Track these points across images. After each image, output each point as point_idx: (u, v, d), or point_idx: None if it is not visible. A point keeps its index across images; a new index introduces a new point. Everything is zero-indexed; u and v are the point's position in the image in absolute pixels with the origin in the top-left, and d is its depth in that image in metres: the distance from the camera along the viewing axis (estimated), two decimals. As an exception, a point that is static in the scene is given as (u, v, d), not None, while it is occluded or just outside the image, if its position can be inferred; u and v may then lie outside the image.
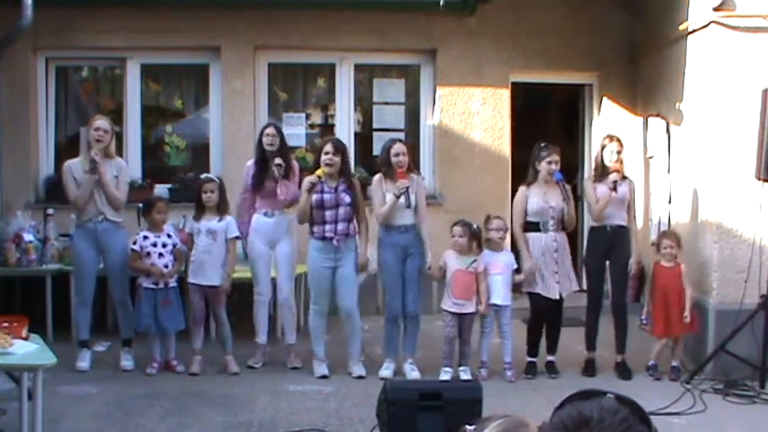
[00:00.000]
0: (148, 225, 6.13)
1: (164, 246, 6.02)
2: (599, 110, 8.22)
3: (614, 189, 5.98)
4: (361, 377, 5.86)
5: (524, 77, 8.08)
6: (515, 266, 6.00)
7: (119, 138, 6.67)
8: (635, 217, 6.34)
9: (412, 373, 5.89)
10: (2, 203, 7.42)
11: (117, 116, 7.57)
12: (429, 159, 8.03)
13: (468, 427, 1.61)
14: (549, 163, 5.97)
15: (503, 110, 7.98)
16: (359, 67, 8.05)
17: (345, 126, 7.94)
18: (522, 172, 6.39)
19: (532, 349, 6.09)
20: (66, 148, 7.63)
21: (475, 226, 5.97)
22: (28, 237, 6.66)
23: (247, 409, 5.18)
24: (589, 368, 6.09)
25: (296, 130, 7.95)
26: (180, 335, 6.11)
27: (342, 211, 5.85)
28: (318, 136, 8.10)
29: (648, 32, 7.58)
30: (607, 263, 6.15)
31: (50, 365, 4.12)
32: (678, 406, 5.21)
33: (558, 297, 6.01)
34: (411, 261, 5.93)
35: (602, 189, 6.07)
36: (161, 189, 7.58)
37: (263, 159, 6.09)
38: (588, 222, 6.99)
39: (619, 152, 6.09)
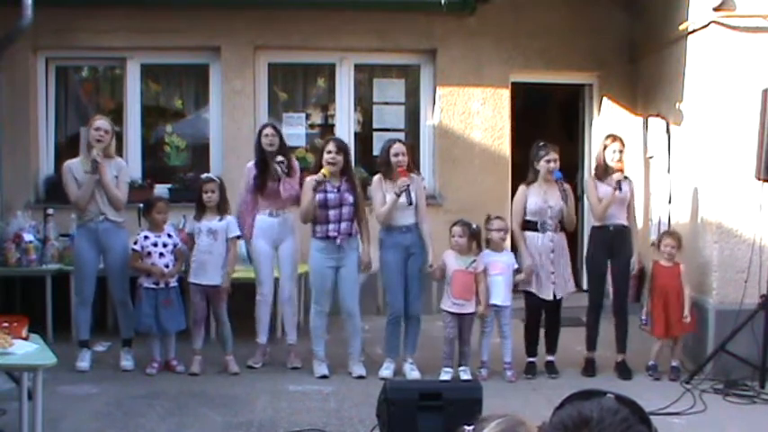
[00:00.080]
0: (149, 225, 6.14)
1: (164, 246, 6.02)
2: (599, 110, 8.22)
3: (619, 189, 5.98)
4: (361, 377, 5.86)
5: (524, 77, 8.08)
6: (516, 266, 6.00)
7: (119, 138, 6.67)
8: (635, 217, 6.34)
9: (412, 373, 5.89)
10: (2, 203, 7.42)
11: (117, 116, 7.57)
12: (429, 159, 8.03)
13: (466, 427, 1.61)
14: (548, 162, 5.97)
15: (503, 110, 7.97)
16: (359, 67, 8.04)
17: (345, 126, 7.93)
18: (522, 172, 6.39)
19: (530, 349, 6.09)
20: (66, 148, 7.63)
21: (474, 226, 5.97)
22: (28, 237, 6.66)
23: (247, 409, 5.18)
24: (589, 368, 6.09)
25: (296, 130, 7.95)
26: (180, 335, 6.11)
27: (345, 210, 5.85)
28: (318, 136, 8.10)
29: (648, 32, 7.58)
30: (608, 263, 6.16)
31: (50, 365, 4.12)
32: (678, 406, 5.21)
33: (551, 298, 6.01)
34: (413, 261, 5.93)
35: (604, 188, 6.08)
36: (161, 189, 7.58)
37: (263, 160, 6.09)
38: (588, 222, 7.00)
39: (621, 152, 6.10)
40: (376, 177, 6.04)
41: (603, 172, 6.14)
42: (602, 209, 6.07)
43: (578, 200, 7.61)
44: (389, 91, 8.14)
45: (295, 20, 7.67)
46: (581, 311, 6.51)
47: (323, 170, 5.78)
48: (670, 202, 7.05)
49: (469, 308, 5.86)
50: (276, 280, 6.23)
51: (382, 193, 5.94)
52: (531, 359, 6.07)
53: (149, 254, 5.98)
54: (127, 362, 6.02)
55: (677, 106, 6.84)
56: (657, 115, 7.25)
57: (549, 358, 6.10)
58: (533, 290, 6.00)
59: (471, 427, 1.59)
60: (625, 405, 1.52)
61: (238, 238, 6.10)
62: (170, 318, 5.96)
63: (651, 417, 1.66)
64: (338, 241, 5.82)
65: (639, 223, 6.89)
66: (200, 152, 8.01)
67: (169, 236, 6.09)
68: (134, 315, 6.00)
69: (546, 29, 7.88)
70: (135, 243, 6.01)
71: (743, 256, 5.98)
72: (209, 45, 7.73)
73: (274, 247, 6.12)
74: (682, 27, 6.53)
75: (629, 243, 6.13)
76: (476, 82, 7.91)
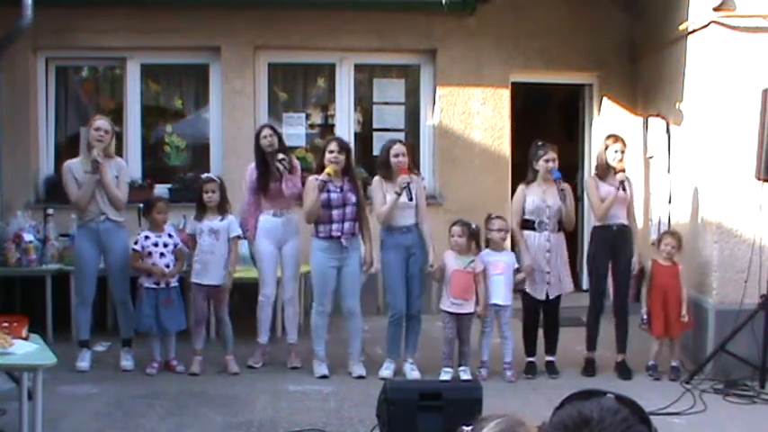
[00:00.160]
0: (149, 225, 6.14)
1: (165, 246, 6.02)
2: (599, 110, 8.22)
3: (623, 189, 5.98)
4: (361, 377, 5.86)
5: (524, 77, 8.08)
6: (516, 266, 6.00)
7: (119, 138, 6.67)
8: (635, 217, 6.34)
9: (412, 373, 5.89)
10: (2, 203, 7.42)
11: (117, 116, 7.57)
12: (429, 159, 8.03)
13: (465, 427, 1.60)
14: (547, 161, 5.98)
15: (503, 110, 7.98)
16: (359, 67, 8.04)
17: (345, 126, 7.93)
18: (522, 172, 6.39)
19: (529, 348, 6.09)
20: (67, 148, 7.63)
21: (474, 226, 5.97)
22: (28, 237, 6.66)
23: (247, 409, 5.18)
24: (589, 368, 6.09)
25: (296, 130, 7.95)
26: (180, 335, 6.11)
27: (348, 210, 5.86)
28: (318, 136, 8.11)
29: (648, 32, 7.58)
30: (609, 263, 6.16)
31: (50, 365, 4.12)
32: (678, 406, 5.21)
33: (544, 298, 6.00)
34: (413, 261, 5.93)
35: (606, 188, 6.07)
36: (161, 189, 7.58)
37: (263, 161, 6.09)
38: (588, 222, 7.00)
39: (623, 152, 6.10)
40: (376, 178, 6.04)
41: (605, 172, 6.14)
42: (604, 209, 6.06)
43: (578, 200, 7.61)
44: (389, 91, 8.15)
45: (295, 20, 7.67)
46: (581, 311, 6.51)
47: (327, 169, 5.77)
48: (670, 202, 7.05)
49: (468, 308, 5.86)
50: (278, 280, 6.22)
51: (382, 193, 5.94)
52: (530, 359, 6.07)
53: (150, 254, 5.98)
54: (127, 362, 6.02)
55: (677, 106, 6.84)
56: (657, 115, 7.25)
57: (549, 358, 6.10)
58: (527, 289, 6.00)
59: (470, 428, 1.58)
60: (625, 405, 1.52)
61: (240, 237, 6.09)
62: (170, 318, 5.96)
63: (651, 417, 1.66)
64: (343, 241, 5.82)
65: (639, 223, 6.89)
66: (200, 152, 8.01)
67: (170, 236, 6.10)
68: (134, 315, 6.01)
69: (546, 29, 7.88)
70: (135, 243, 6.01)
71: (743, 256, 5.98)
72: (209, 45, 7.73)
73: (278, 248, 6.11)
74: (682, 27, 6.53)
75: (630, 243, 6.12)
76: (476, 82, 7.91)
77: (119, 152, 6.53)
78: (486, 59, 7.92)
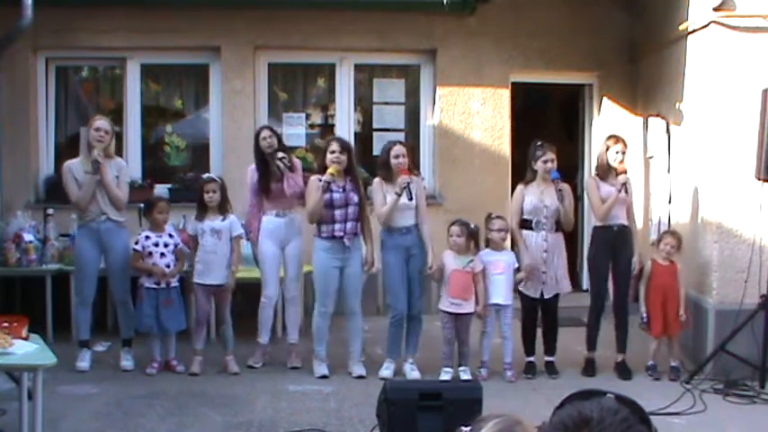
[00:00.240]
0: (150, 225, 6.14)
1: (165, 246, 6.02)
2: (599, 110, 8.22)
3: (625, 190, 5.98)
4: (361, 377, 5.86)
5: (524, 77, 8.08)
6: (516, 265, 6.00)
7: (119, 138, 6.68)
8: (634, 217, 6.34)
9: (412, 373, 5.89)
10: (2, 203, 7.42)
11: (117, 116, 7.57)
12: (429, 159, 8.03)
13: (463, 428, 1.60)
14: (545, 162, 5.98)
15: (503, 110, 7.98)
16: (359, 67, 8.04)
17: (345, 126, 7.93)
18: (521, 172, 6.39)
19: (528, 348, 6.09)
20: (67, 148, 7.63)
21: (472, 225, 5.97)
22: (28, 237, 6.66)
23: (247, 409, 5.18)
24: (589, 368, 6.09)
25: (296, 130, 7.95)
26: (180, 335, 6.11)
27: (351, 210, 5.86)
28: (318, 136, 8.11)
29: (648, 32, 7.58)
30: (610, 262, 6.16)
31: (50, 365, 4.12)
32: (678, 406, 5.21)
33: (538, 296, 6.00)
34: (414, 262, 5.93)
35: (607, 189, 6.07)
36: (161, 189, 7.58)
37: (263, 162, 6.08)
38: (588, 222, 7.00)
39: (624, 153, 6.09)
40: (376, 179, 6.04)
41: (605, 172, 6.14)
42: (605, 209, 6.06)
43: (578, 200, 7.61)
44: (389, 91, 8.14)
45: (295, 20, 7.67)
46: (581, 311, 6.51)
47: (330, 169, 5.77)
48: (670, 202, 7.05)
49: (467, 308, 5.86)
50: (281, 279, 6.22)
51: (382, 193, 5.94)
52: (529, 359, 6.07)
53: (150, 254, 5.98)
54: (127, 362, 6.02)
55: (677, 106, 6.84)
56: (657, 115, 7.25)
57: (549, 359, 6.10)
58: (521, 288, 6.01)
59: (468, 428, 1.58)
60: (625, 405, 1.52)
61: (241, 236, 6.09)
62: (171, 318, 5.96)
63: (651, 417, 1.67)
64: (345, 241, 5.82)
65: (639, 223, 6.89)
66: (200, 152, 8.01)
67: (170, 236, 6.10)
68: (135, 315, 6.01)
69: (546, 29, 7.88)
70: (136, 243, 6.01)
71: (743, 256, 5.98)
72: (209, 45, 7.73)
73: (281, 248, 6.11)
74: (682, 27, 6.53)
75: (630, 243, 6.12)
76: (476, 82, 7.92)
77: (119, 152, 6.54)
78: (486, 59, 7.92)
